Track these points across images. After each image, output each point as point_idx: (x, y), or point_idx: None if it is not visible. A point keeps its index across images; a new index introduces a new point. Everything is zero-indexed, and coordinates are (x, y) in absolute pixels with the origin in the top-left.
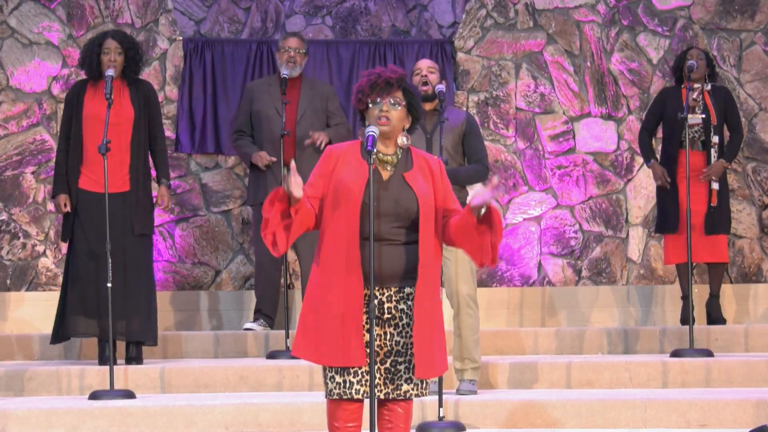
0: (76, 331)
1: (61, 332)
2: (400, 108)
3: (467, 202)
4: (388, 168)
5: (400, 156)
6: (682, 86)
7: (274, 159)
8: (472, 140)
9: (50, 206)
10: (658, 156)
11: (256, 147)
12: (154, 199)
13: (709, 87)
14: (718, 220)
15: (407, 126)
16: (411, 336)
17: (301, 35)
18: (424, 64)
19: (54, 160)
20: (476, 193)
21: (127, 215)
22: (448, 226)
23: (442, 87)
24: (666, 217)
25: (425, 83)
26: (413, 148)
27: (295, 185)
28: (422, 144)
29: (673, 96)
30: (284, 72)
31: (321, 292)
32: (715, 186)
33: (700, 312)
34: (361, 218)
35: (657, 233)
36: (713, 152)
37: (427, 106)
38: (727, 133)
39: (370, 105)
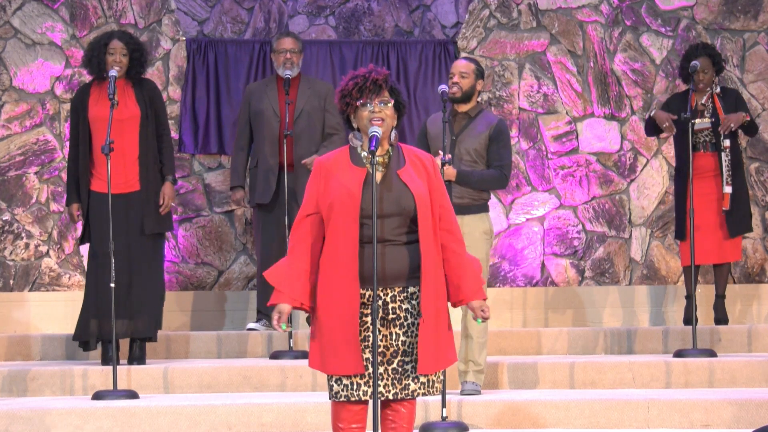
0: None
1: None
2: (390, 106)
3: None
4: (380, 168)
5: (391, 154)
6: (691, 91)
7: (244, 205)
8: (495, 146)
9: (53, 207)
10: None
11: (243, 178)
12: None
13: (718, 90)
14: (736, 222)
15: (395, 123)
16: (417, 335)
17: (293, 34)
18: (457, 68)
19: (57, 161)
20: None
21: (137, 214)
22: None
23: (444, 87)
24: (681, 223)
25: (456, 86)
26: (403, 144)
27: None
28: (448, 145)
29: (680, 99)
30: (286, 73)
31: (321, 301)
32: (728, 189)
33: (703, 312)
34: (361, 223)
35: (678, 239)
36: (724, 156)
37: (459, 109)
38: (739, 137)
39: (360, 108)
